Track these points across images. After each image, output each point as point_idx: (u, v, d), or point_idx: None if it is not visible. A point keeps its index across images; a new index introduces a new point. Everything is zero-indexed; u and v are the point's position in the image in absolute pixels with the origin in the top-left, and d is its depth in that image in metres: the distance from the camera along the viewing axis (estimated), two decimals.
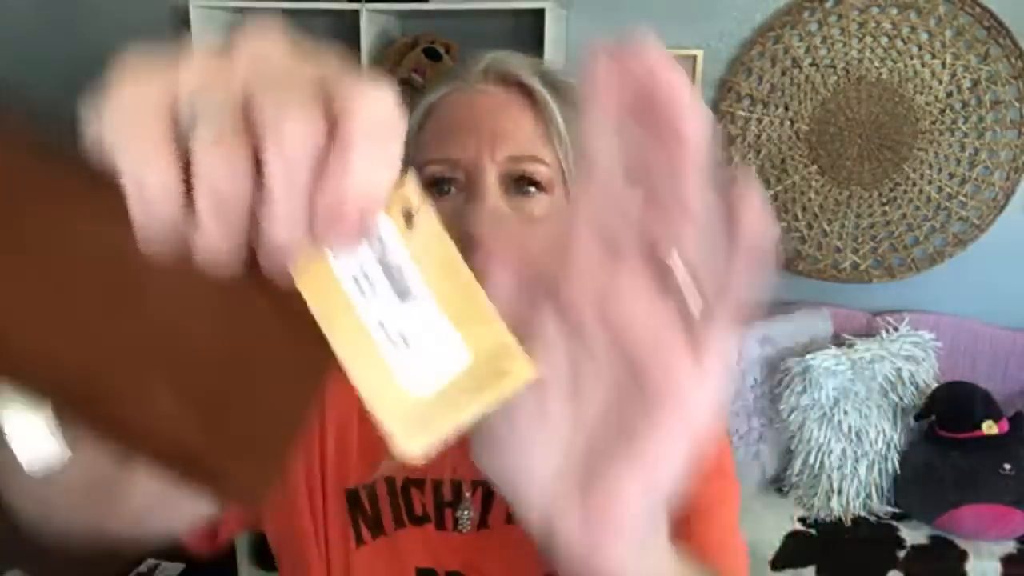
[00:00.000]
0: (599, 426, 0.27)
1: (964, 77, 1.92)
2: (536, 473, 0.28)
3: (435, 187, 0.60)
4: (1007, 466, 1.69)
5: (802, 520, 1.79)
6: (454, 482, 0.62)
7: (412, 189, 0.25)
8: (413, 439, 0.25)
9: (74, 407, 0.23)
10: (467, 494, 0.62)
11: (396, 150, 0.22)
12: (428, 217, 0.25)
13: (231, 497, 0.26)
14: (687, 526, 0.43)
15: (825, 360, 1.80)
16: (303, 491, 0.61)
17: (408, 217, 0.25)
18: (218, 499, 0.27)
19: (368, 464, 0.62)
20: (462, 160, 0.57)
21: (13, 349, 0.22)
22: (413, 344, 0.25)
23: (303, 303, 0.25)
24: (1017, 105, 1.91)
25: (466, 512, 0.62)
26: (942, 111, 1.94)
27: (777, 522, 1.76)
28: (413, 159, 0.62)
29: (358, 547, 0.60)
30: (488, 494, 0.62)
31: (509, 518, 0.62)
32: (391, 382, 0.25)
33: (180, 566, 2.19)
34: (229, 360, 0.25)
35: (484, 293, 0.25)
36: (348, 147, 0.21)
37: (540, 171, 0.56)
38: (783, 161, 2.04)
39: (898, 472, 1.80)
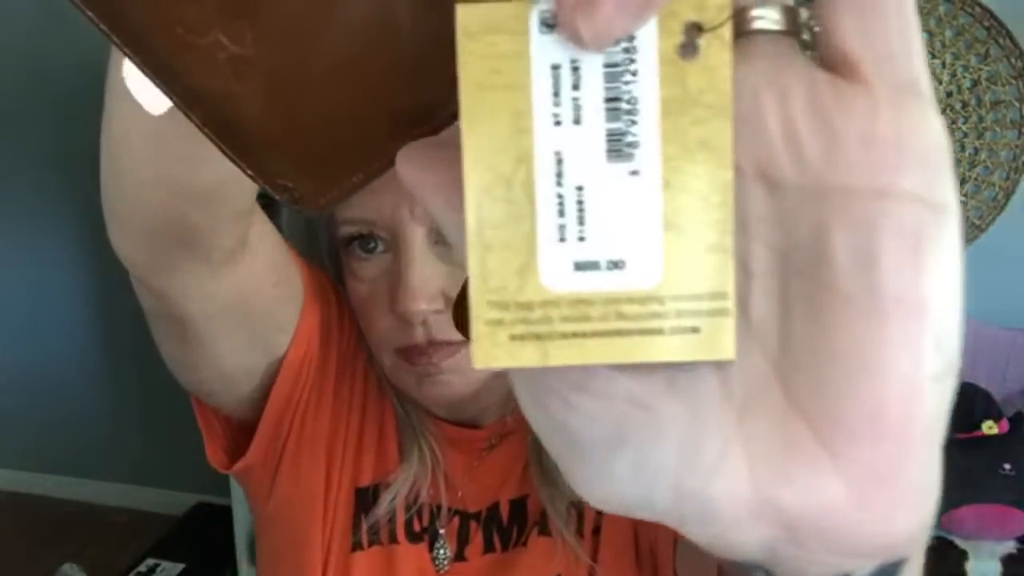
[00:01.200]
0: (786, 340, 0.17)
1: (964, 77, 1.92)
2: (720, 459, 0.17)
3: (358, 244, 0.58)
4: (1007, 466, 1.69)
5: None
6: (433, 508, 0.61)
7: None
8: (497, 347, 0.17)
9: (131, 49, 0.19)
10: (441, 530, 0.60)
11: None
12: (719, 52, 0.16)
13: (276, 190, 0.22)
14: None
15: None
16: (320, 485, 0.60)
17: (692, 35, 0.16)
18: (262, 186, 0.22)
19: (382, 464, 0.61)
20: (379, 221, 0.55)
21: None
22: (590, 215, 0.16)
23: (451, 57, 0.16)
24: (1017, 105, 1.91)
25: (442, 551, 0.60)
26: (942, 111, 1.93)
27: None
28: (328, 214, 0.60)
29: (353, 552, 0.59)
30: (464, 524, 0.61)
31: (487, 548, 0.61)
32: (523, 250, 0.16)
33: (180, 566, 2.19)
34: (328, 51, 0.19)
35: (731, 208, 0.16)
36: None
37: None
38: None
39: None
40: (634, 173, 0.16)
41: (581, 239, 0.16)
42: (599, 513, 0.59)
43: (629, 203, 0.16)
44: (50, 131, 2.44)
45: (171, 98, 0.20)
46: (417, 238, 0.54)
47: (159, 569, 2.18)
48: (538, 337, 0.17)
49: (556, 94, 0.16)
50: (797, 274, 0.17)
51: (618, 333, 0.16)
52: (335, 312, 0.61)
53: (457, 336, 0.56)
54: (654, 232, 0.16)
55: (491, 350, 0.17)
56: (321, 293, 0.60)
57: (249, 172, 0.21)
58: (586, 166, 0.16)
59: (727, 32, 0.16)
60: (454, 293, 0.55)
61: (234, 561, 2.06)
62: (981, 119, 1.94)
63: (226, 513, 2.03)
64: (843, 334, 0.16)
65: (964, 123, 1.94)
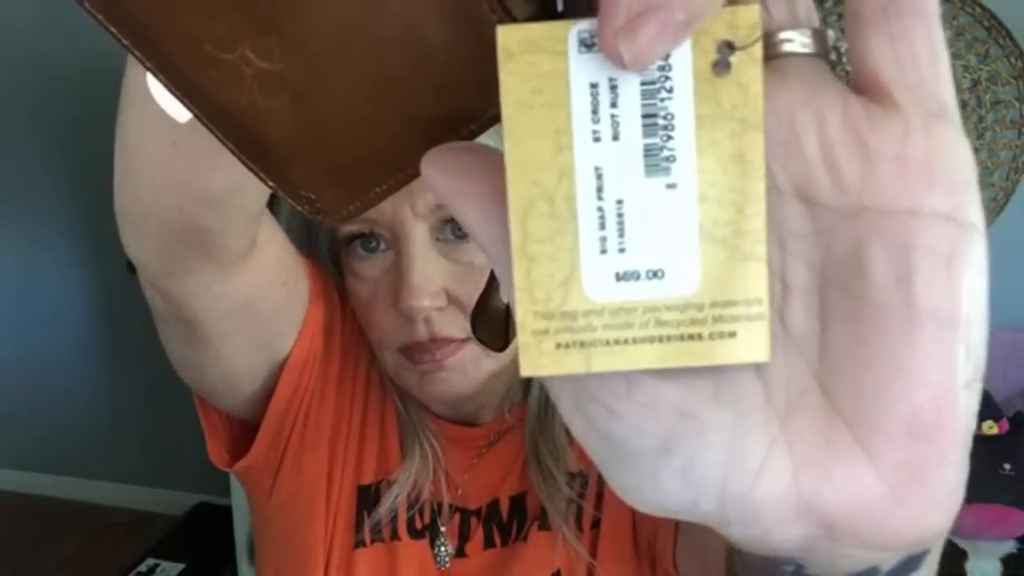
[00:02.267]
0: (823, 342, 0.18)
1: (964, 77, 1.92)
2: (763, 461, 0.18)
3: (360, 243, 0.57)
4: (1007, 466, 1.69)
5: None
6: (434, 505, 0.61)
7: (747, 15, 0.16)
8: (543, 355, 0.17)
9: (154, 63, 0.19)
10: (442, 527, 0.61)
11: None
12: (751, 69, 0.16)
13: (298, 201, 0.22)
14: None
15: None
16: (322, 482, 0.60)
17: (725, 53, 0.16)
18: (282, 194, 0.22)
19: (384, 461, 0.61)
20: (380, 219, 0.55)
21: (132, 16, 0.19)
22: (629, 227, 0.17)
23: (492, 70, 0.16)
24: (1017, 105, 1.91)
25: (443, 548, 0.61)
26: None
27: None
28: None
29: (356, 549, 0.59)
30: (465, 521, 0.61)
31: (488, 544, 0.61)
32: (566, 262, 0.17)
33: (180, 566, 2.19)
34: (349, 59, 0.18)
35: (765, 218, 0.17)
36: None
37: None
38: None
39: None
40: (671, 186, 0.17)
41: (622, 250, 0.17)
42: (598, 508, 0.60)
43: (667, 215, 0.17)
44: (51, 132, 2.44)
45: (194, 112, 0.20)
46: (419, 235, 0.54)
47: (159, 569, 2.18)
48: (582, 345, 0.17)
49: (595, 112, 0.16)
50: (834, 288, 0.18)
51: (659, 339, 0.17)
52: (338, 310, 0.62)
53: (459, 333, 0.56)
54: (691, 242, 0.17)
55: (538, 359, 0.17)
56: (325, 291, 0.60)
57: (271, 184, 0.21)
58: (625, 180, 0.17)
59: (758, 50, 0.17)
60: (456, 290, 0.55)
61: (234, 561, 2.06)
62: (981, 119, 1.94)
63: (226, 513, 2.03)
64: (880, 344, 0.17)
65: (964, 123, 1.93)
